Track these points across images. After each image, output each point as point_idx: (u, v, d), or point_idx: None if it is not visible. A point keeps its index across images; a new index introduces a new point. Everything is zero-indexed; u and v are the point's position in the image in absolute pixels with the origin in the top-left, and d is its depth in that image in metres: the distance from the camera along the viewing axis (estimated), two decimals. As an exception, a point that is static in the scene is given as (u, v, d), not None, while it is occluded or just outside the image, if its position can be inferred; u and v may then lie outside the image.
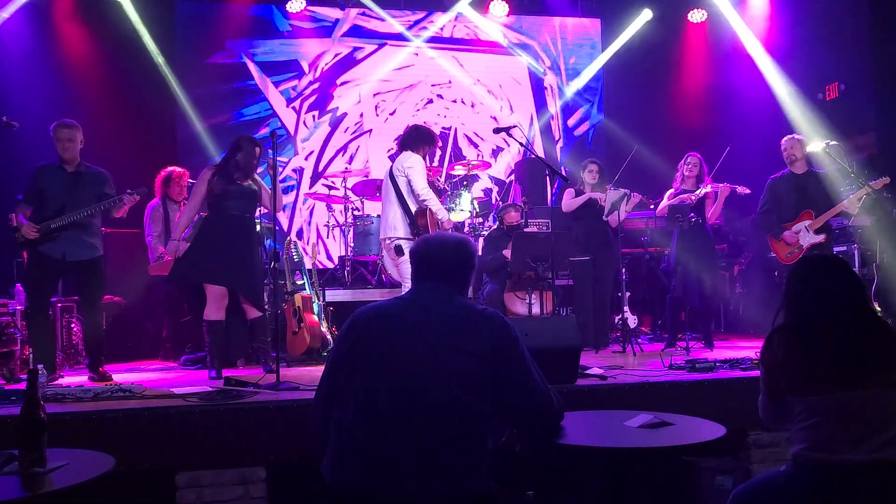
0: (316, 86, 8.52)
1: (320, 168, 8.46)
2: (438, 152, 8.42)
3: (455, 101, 8.80)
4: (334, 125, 8.55)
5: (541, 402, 2.13)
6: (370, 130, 8.62)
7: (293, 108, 8.45)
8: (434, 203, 4.98)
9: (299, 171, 8.40)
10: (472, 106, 8.80)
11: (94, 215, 4.69)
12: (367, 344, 2.10)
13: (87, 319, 4.80)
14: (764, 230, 5.60)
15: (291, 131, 8.43)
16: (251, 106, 8.32)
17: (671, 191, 5.88)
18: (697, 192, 5.69)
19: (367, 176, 7.54)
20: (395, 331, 2.09)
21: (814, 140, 5.83)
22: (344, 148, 8.55)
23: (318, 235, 8.19)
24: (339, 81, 8.59)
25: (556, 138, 9.01)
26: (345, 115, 8.58)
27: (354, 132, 8.60)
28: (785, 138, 5.50)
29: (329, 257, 8.00)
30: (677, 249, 5.71)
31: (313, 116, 8.51)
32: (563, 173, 5.99)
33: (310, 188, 8.31)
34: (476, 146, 8.82)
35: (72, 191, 4.62)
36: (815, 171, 5.48)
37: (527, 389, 2.09)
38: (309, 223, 8.35)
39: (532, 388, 2.10)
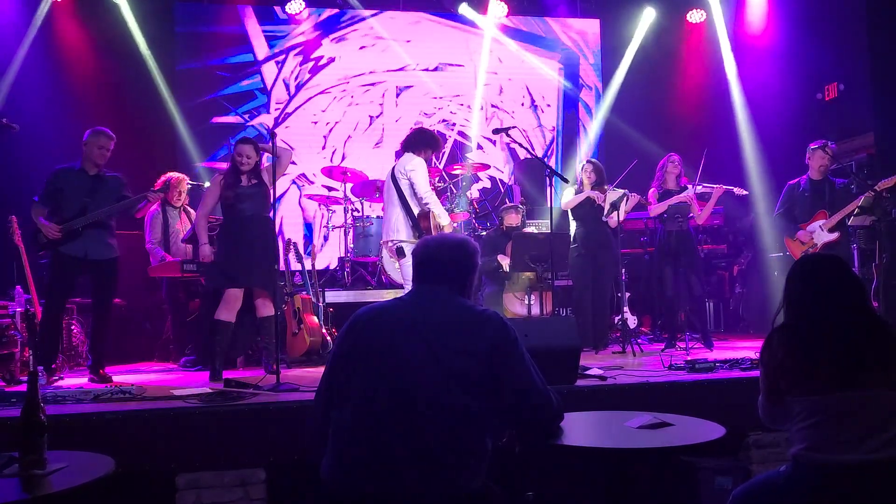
0: (301, 38, 8.35)
1: (281, 118, 8.31)
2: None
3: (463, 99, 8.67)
4: (314, 72, 8.37)
5: (540, 403, 2.13)
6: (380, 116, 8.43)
7: (276, 62, 8.31)
8: (436, 206, 4.96)
9: (264, 135, 8.13)
10: (481, 108, 8.71)
11: (117, 214, 4.85)
12: (366, 344, 2.10)
13: (99, 320, 4.85)
14: (780, 230, 5.76)
15: (269, 85, 8.29)
16: (236, 56, 8.22)
17: (652, 190, 5.89)
18: (691, 191, 5.70)
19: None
20: (395, 331, 2.09)
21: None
22: (310, 100, 8.36)
23: (280, 231, 8.06)
24: (334, 37, 8.42)
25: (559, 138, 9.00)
26: (332, 59, 8.38)
27: (327, 89, 8.42)
28: (815, 146, 5.59)
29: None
30: (660, 250, 5.74)
31: (296, 75, 8.34)
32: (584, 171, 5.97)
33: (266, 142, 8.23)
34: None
35: (93, 193, 4.74)
36: (832, 179, 5.63)
37: (526, 390, 2.09)
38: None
39: (531, 388, 2.10)
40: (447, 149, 8.49)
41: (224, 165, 7.88)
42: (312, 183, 8.24)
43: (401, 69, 8.59)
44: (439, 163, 7.95)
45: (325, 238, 7.96)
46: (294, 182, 8.22)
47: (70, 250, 4.64)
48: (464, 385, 2.00)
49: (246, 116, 8.22)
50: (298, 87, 8.40)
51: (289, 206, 8.18)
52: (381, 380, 2.03)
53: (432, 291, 2.19)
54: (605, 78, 9.02)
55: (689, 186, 5.77)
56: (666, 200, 5.77)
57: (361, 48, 8.53)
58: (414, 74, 8.62)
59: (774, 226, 5.94)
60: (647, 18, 8.62)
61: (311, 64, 8.41)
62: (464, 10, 8.45)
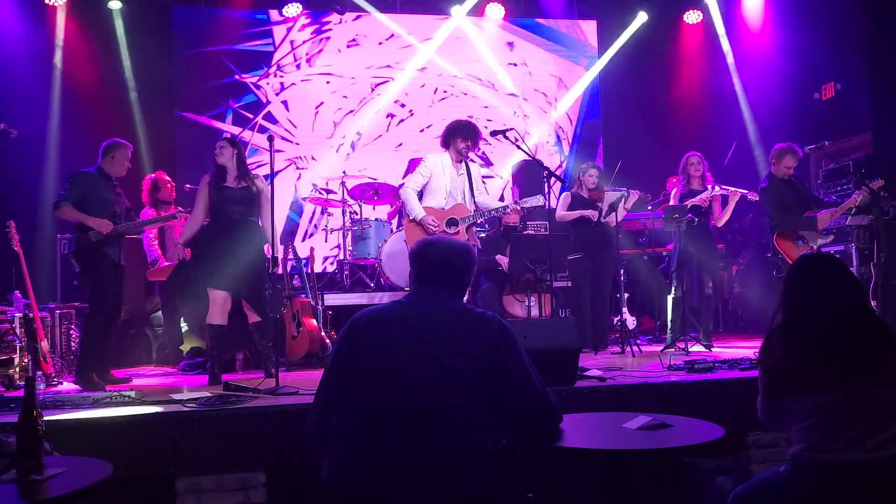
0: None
1: (286, 85, 8.14)
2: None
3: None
4: (327, 46, 8.21)
5: (539, 405, 2.13)
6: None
7: (287, 27, 8.15)
8: (408, 204, 5.00)
9: (262, 100, 8.12)
10: (508, 123, 8.49)
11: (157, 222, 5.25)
12: (365, 347, 2.10)
13: (116, 324, 4.88)
14: (786, 234, 5.53)
15: (276, 43, 8.11)
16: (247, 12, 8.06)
17: (675, 190, 5.87)
18: (708, 193, 5.66)
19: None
20: (394, 334, 2.09)
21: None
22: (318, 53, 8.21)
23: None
24: (357, 16, 8.26)
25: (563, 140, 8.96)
26: (354, 42, 8.16)
27: (342, 73, 8.25)
28: (780, 149, 5.55)
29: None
30: (680, 249, 5.72)
31: (310, 44, 8.19)
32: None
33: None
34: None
35: (118, 202, 4.84)
36: (794, 178, 5.60)
37: (525, 391, 2.10)
38: None
39: (530, 390, 2.10)
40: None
41: (218, 123, 7.87)
42: (306, 168, 8.10)
43: (422, 69, 8.45)
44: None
45: (311, 234, 7.91)
46: (293, 162, 8.09)
47: (113, 254, 4.71)
48: (463, 387, 2.00)
49: (248, 77, 8.04)
50: (310, 58, 8.21)
51: (280, 185, 7.90)
52: (381, 382, 2.03)
53: (432, 294, 2.19)
54: (603, 78, 8.99)
55: (708, 187, 5.73)
56: (698, 199, 5.69)
57: (389, 37, 8.38)
58: (443, 80, 8.50)
59: (779, 231, 5.75)
60: (642, 20, 8.62)
61: (328, 40, 8.22)
62: (456, 12, 8.42)
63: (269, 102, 8.13)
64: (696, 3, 8.59)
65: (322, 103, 8.25)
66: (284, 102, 8.20)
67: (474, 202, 5.20)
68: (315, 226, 7.99)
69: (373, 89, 8.37)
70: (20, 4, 7.17)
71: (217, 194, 4.71)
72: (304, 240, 7.97)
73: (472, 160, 5.39)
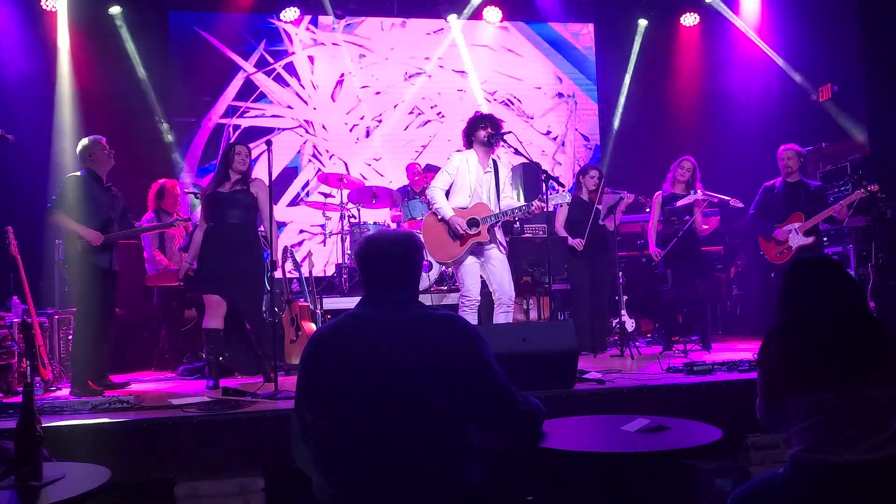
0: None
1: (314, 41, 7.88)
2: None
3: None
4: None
5: (504, 403, 2.06)
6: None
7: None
8: (436, 203, 4.89)
9: (288, 50, 7.86)
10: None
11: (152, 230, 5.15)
12: (335, 364, 2.02)
13: (111, 330, 4.85)
14: (756, 229, 5.77)
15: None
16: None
17: (658, 194, 5.88)
18: (692, 197, 5.67)
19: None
20: (359, 348, 2.00)
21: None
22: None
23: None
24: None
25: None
26: (402, 24, 7.94)
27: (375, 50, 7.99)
28: (782, 148, 5.59)
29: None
30: (665, 253, 5.74)
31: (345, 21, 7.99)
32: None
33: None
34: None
35: (112, 205, 4.74)
36: (806, 181, 5.62)
37: (487, 390, 2.03)
38: None
39: (496, 389, 2.04)
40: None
41: (237, 58, 7.74)
42: (315, 135, 7.97)
43: (461, 72, 8.31)
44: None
45: (302, 199, 7.82)
46: (302, 125, 7.96)
47: (102, 261, 4.63)
48: (433, 391, 1.96)
49: (280, 23, 7.72)
50: (350, 25, 8.01)
51: (283, 145, 7.75)
52: (354, 398, 1.97)
53: (386, 299, 2.09)
54: (600, 80, 9.00)
55: (691, 192, 5.73)
56: (680, 203, 5.70)
57: (438, 30, 8.23)
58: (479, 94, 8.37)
59: (750, 225, 5.93)
60: (642, 27, 8.66)
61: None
62: (457, 18, 8.43)
63: (293, 53, 7.89)
64: (693, 5, 8.60)
65: (350, 73, 8.01)
66: (311, 58, 7.93)
67: (499, 203, 4.98)
68: (308, 193, 7.86)
69: (406, 78, 8.18)
70: (18, 8, 7.17)
71: (214, 199, 4.67)
72: (290, 205, 7.86)
73: (499, 158, 5.21)
